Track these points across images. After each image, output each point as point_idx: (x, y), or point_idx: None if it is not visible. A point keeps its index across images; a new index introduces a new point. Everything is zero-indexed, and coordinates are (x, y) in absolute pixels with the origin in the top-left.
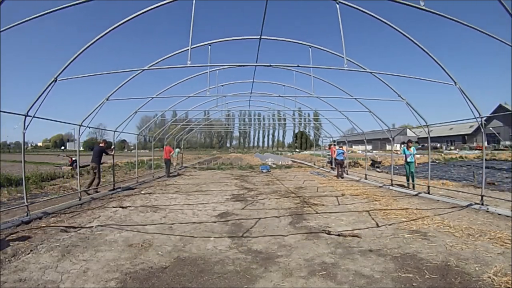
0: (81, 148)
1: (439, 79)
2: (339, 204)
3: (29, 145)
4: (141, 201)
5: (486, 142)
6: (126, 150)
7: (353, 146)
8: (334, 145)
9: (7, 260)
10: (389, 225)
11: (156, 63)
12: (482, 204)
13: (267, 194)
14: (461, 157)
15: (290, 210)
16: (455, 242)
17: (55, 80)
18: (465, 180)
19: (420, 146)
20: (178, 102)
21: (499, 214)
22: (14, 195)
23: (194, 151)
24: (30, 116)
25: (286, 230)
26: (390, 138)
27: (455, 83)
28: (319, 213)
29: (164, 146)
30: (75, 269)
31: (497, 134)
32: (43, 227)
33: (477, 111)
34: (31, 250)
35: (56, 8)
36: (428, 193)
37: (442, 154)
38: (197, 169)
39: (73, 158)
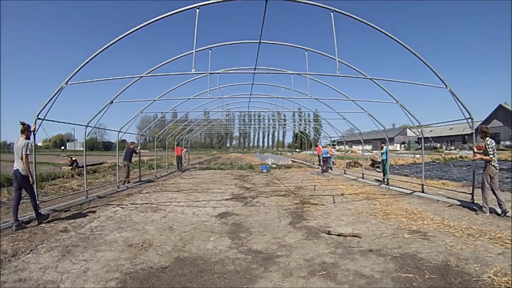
0: (81, 148)
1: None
2: (339, 204)
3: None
4: (141, 200)
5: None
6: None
7: (353, 146)
8: (328, 145)
9: (7, 260)
10: (390, 225)
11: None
12: (423, 192)
13: (267, 194)
14: (461, 157)
15: (290, 210)
16: (455, 242)
17: (111, 102)
18: (465, 180)
19: (419, 146)
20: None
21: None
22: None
23: (194, 151)
24: (91, 126)
25: (286, 230)
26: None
27: (396, 101)
28: (319, 213)
29: (175, 146)
30: (75, 269)
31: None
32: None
33: (417, 120)
34: (31, 250)
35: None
36: (387, 184)
37: (442, 154)
38: (197, 169)
39: (73, 158)
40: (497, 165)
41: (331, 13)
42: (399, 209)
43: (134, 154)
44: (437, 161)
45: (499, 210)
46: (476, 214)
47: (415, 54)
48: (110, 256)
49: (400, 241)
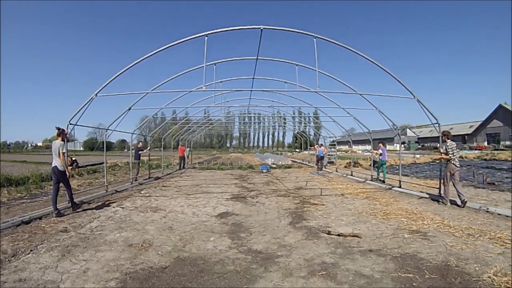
0: (81, 148)
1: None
2: (339, 204)
3: (29, 145)
4: (141, 201)
5: (486, 142)
6: (126, 150)
7: (353, 146)
8: (320, 145)
9: (7, 260)
10: (390, 225)
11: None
12: (400, 187)
13: (267, 194)
14: (461, 157)
15: (290, 210)
16: (455, 242)
17: (129, 109)
18: (465, 180)
19: (419, 146)
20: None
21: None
22: (14, 195)
23: (195, 151)
24: (111, 130)
25: (286, 230)
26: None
27: (375, 108)
28: (319, 212)
29: (179, 146)
30: (75, 269)
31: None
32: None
33: (393, 123)
34: (31, 250)
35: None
36: (372, 180)
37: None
38: (198, 169)
39: (73, 158)
40: (458, 163)
41: (314, 39)
42: (399, 209)
43: (142, 153)
44: (437, 161)
45: (459, 202)
46: (438, 204)
47: (389, 73)
48: (110, 256)
49: (400, 241)
